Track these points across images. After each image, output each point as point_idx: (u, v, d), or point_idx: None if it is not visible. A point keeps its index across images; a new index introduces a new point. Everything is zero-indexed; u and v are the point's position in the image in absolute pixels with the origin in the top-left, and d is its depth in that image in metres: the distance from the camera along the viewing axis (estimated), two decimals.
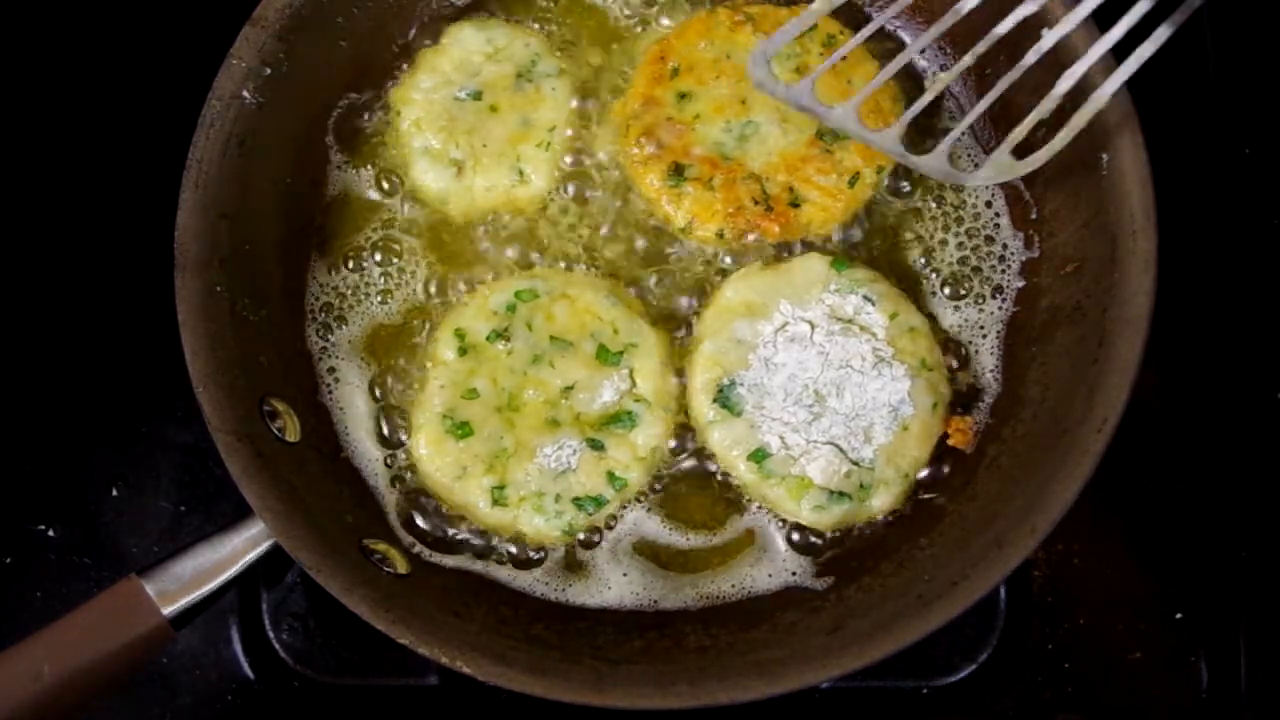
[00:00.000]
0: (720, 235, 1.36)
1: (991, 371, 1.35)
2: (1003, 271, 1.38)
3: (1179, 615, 1.39)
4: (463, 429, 1.29)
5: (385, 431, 1.35)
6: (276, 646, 1.39)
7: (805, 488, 1.27)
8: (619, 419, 1.30)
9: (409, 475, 1.33)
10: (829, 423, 1.28)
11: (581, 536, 1.32)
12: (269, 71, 1.32)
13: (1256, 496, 1.42)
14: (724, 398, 1.29)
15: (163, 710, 1.38)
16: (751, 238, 1.37)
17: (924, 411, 1.29)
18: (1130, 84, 1.25)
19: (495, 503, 1.28)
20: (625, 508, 1.32)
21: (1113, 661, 1.38)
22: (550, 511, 1.28)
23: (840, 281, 1.32)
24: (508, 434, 1.30)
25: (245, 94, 1.30)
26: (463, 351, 1.32)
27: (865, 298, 1.31)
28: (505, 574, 1.31)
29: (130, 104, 1.55)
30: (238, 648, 1.39)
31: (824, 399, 1.28)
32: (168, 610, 1.16)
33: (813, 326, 1.30)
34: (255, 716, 1.39)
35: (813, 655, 1.17)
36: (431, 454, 1.30)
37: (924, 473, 1.32)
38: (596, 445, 1.29)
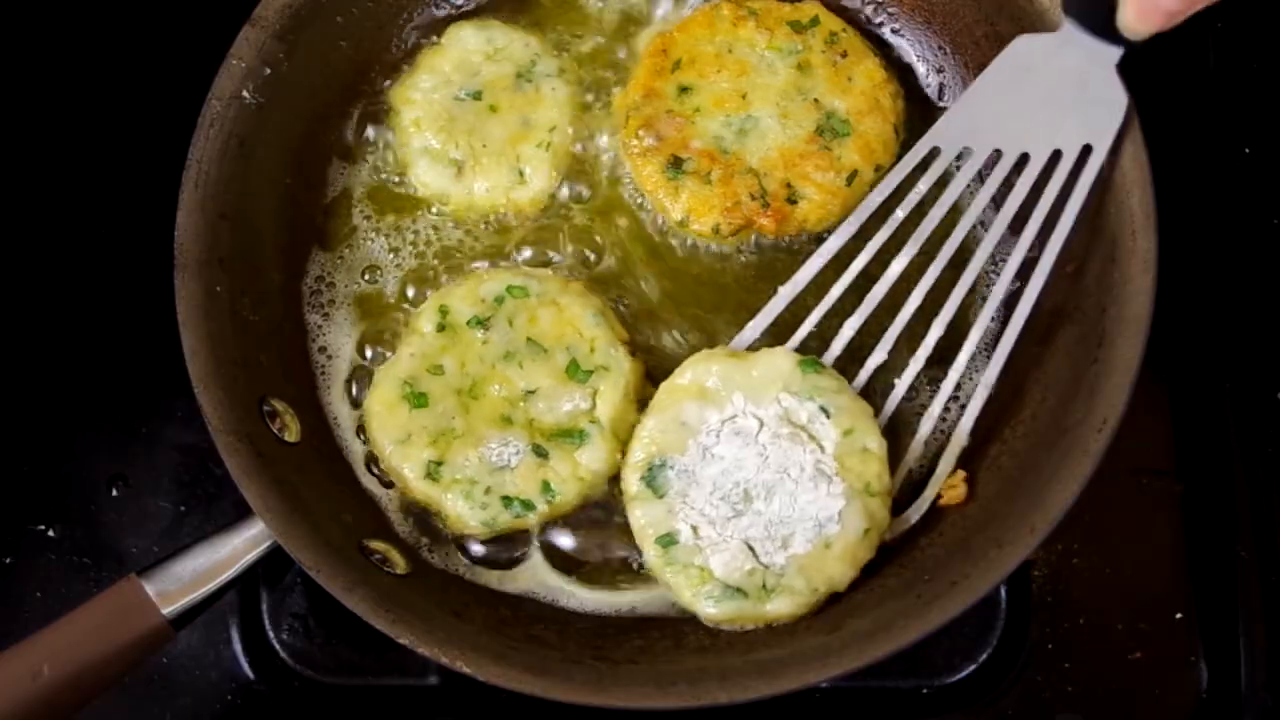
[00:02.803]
0: (716, 230, 1.36)
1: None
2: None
3: (1179, 615, 1.39)
4: (419, 399, 1.29)
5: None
6: (276, 646, 1.39)
7: (704, 579, 1.24)
8: (570, 434, 1.29)
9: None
10: (748, 522, 1.24)
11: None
12: (269, 71, 1.32)
13: (1256, 496, 1.42)
14: (651, 477, 1.26)
15: (163, 710, 1.38)
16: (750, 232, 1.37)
17: (852, 534, 1.24)
18: (1130, 84, 1.25)
19: (427, 475, 1.28)
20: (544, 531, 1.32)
21: (1113, 661, 1.38)
22: (477, 501, 1.27)
23: (801, 386, 1.27)
24: (460, 417, 1.29)
25: (245, 94, 1.30)
26: (441, 328, 1.32)
27: (822, 408, 1.27)
28: (501, 575, 1.31)
29: (130, 104, 1.55)
30: (238, 648, 1.39)
31: (751, 500, 1.25)
32: (168, 610, 1.16)
33: (761, 424, 1.26)
34: (255, 716, 1.39)
35: (813, 655, 1.17)
36: (381, 412, 1.30)
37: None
38: (541, 452, 1.28)
